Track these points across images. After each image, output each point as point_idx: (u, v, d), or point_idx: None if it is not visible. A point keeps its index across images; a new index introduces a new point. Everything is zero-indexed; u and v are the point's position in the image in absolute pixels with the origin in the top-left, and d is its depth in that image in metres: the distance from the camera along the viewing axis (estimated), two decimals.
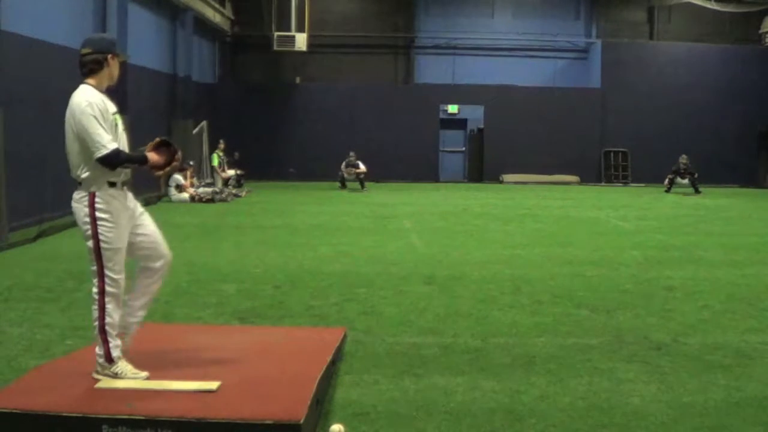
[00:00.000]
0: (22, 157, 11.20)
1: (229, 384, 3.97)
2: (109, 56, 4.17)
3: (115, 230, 4.06)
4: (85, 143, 3.99)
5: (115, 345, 4.10)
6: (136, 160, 4.17)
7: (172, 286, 7.43)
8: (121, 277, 4.11)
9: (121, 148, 4.07)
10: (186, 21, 20.14)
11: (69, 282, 7.56)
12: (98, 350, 4.11)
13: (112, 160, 3.99)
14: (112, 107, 4.14)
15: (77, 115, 3.99)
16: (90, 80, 4.13)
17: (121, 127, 4.18)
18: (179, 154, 4.33)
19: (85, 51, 4.15)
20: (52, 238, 10.73)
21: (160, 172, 4.33)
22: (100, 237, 4.03)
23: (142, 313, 4.36)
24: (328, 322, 6.13)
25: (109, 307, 4.07)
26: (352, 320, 6.15)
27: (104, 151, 3.96)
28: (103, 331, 4.07)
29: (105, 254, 4.05)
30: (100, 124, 3.98)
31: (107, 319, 4.07)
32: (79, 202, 4.07)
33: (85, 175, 4.04)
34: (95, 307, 4.08)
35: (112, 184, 4.07)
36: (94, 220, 4.03)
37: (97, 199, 4.03)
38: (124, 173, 4.13)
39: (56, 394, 3.86)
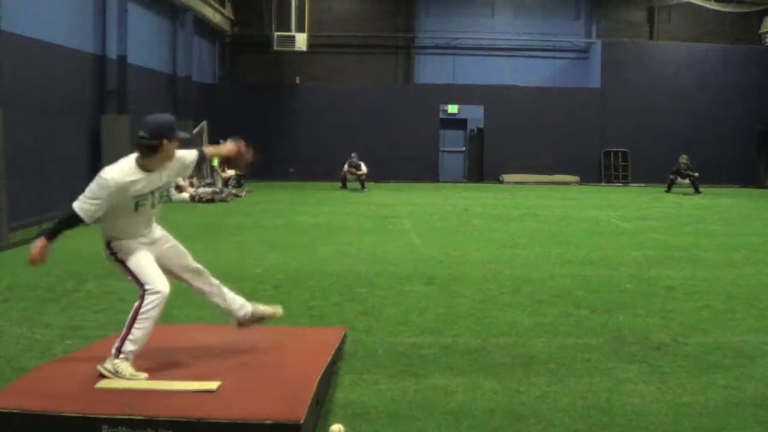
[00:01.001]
0: (22, 157, 11.20)
1: (229, 384, 3.97)
2: (165, 141, 4.19)
3: (133, 253, 4.30)
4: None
5: (134, 341, 4.14)
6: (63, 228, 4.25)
7: (172, 286, 7.42)
8: (158, 278, 4.27)
9: (91, 222, 4.19)
10: (186, 21, 20.14)
11: (69, 282, 7.56)
12: (118, 340, 4.17)
13: (70, 218, 4.17)
14: (141, 190, 4.20)
15: (97, 176, 4.16)
16: (140, 159, 4.21)
17: (148, 205, 4.29)
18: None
19: (141, 134, 4.19)
20: None
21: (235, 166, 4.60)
22: (122, 259, 4.28)
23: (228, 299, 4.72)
24: (328, 322, 6.13)
25: (153, 299, 4.19)
26: (352, 320, 6.15)
27: (74, 209, 4.13)
28: (134, 318, 4.16)
29: (134, 270, 4.26)
30: (96, 198, 4.11)
31: (141, 315, 4.15)
32: (104, 251, 4.39)
33: (103, 226, 4.31)
34: (137, 301, 4.23)
35: (126, 236, 4.30)
36: (116, 260, 4.32)
37: (112, 246, 4.32)
38: (141, 228, 4.33)
39: (56, 394, 3.86)
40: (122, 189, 4.12)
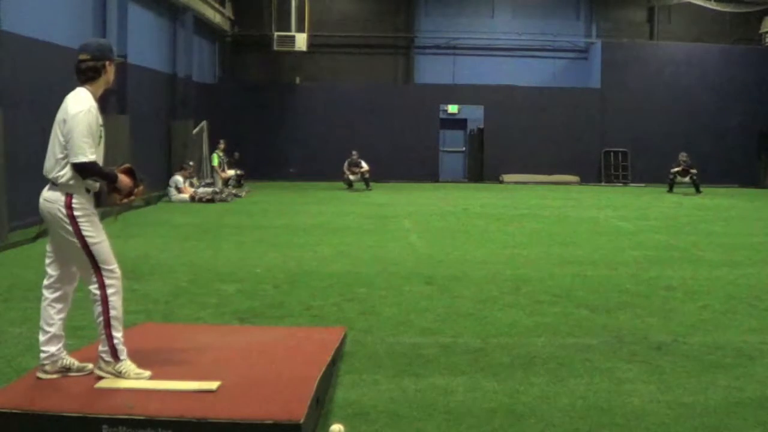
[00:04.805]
0: (21, 157, 11.20)
1: (229, 384, 3.97)
2: (107, 63, 4.14)
3: (94, 225, 4.05)
4: (68, 146, 3.96)
5: (121, 340, 4.06)
6: (106, 176, 4.11)
7: (171, 286, 7.44)
8: (115, 266, 4.09)
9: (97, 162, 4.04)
10: (186, 21, 20.13)
11: None
12: (101, 347, 4.07)
13: (86, 170, 3.97)
14: (100, 120, 4.10)
15: (70, 119, 3.95)
16: (88, 86, 4.10)
17: (102, 140, 4.14)
18: (141, 189, 4.32)
19: (83, 57, 4.10)
20: None
21: (121, 199, 4.27)
22: (84, 234, 4.00)
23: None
24: (328, 322, 6.13)
25: (113, 299, 4.04)
26: (352, 320, 6.15)
27: (83, 159, 3.93)
28: (108, 325, 4.03)
29: (94, 249, 4.02)
30: (89, 134, 3.96)
31: (112, 312, 4.03)
32: (54, 202, 4.02)
33: (64, 176, 3.99)
34: (98, 302, 4.03)
35: (87, 191, 4.06)
36: (74, 219, 3.99)
37: (74, 202, 4.00)
38: (97, 185, 4.12)
39: (56, 394, 3.86)
40: (96, 115, 3.99)
